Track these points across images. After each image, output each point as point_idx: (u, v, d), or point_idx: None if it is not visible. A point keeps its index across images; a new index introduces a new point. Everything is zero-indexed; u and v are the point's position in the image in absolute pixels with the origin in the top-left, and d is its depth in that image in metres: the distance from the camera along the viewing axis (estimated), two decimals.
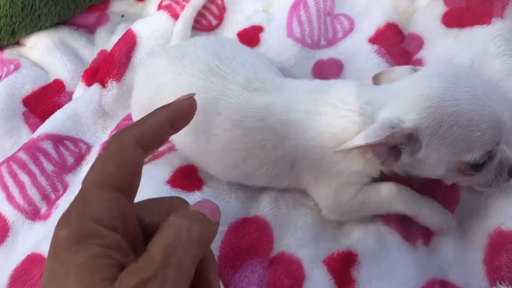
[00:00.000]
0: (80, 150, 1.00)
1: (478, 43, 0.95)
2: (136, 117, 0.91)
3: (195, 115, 0.48)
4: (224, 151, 0.77)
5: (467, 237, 0.74)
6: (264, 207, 0.81)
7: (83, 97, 1.06)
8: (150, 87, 0.84)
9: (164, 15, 1.12)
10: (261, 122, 0.74)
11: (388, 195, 0.73)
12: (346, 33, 1.10)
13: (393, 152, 0.67)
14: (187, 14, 1.10)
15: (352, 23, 1.12)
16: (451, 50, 0.96)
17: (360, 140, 0.65)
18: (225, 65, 0.78)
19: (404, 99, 0.67)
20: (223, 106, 0.75)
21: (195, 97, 0.48)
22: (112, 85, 1.05)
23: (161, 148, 0.92)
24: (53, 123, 1.00)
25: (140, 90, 0.88)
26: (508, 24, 0.97)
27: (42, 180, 0.91)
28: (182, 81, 0.78)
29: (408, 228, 0.77)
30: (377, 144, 0.64)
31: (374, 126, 0.65)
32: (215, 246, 0.75)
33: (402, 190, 0.74)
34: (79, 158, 0.98)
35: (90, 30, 1.28)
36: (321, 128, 0.72)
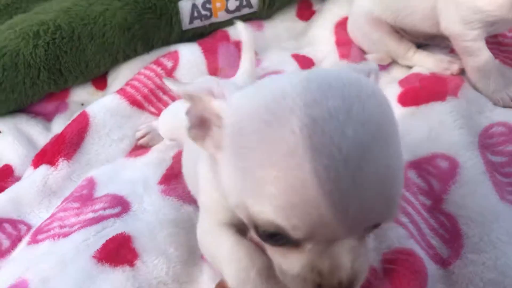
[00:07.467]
0: (18, 232, 0.93)
1: (435, 115, 0.95)
2: None
3: None
4: None
5: None
6: None
7: (27, 178, 1.01)
8: None
9: (116, 97, 1.12)
10: None
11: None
12: None
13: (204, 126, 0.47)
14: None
15: None
16: (408, 125, 0.95)
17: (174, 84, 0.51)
18: None
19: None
20: None
21: None
22: (63, 164, 1.01)
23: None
24: None
25: None
26: (462, 103, 0.98)
27: None
28: None
29: None
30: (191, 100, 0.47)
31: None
32: None
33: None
34: (16, 241, 0.91)
35: (48, 118, 1.25)
36: None
